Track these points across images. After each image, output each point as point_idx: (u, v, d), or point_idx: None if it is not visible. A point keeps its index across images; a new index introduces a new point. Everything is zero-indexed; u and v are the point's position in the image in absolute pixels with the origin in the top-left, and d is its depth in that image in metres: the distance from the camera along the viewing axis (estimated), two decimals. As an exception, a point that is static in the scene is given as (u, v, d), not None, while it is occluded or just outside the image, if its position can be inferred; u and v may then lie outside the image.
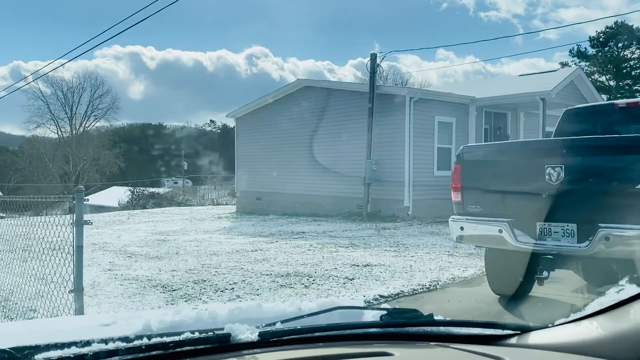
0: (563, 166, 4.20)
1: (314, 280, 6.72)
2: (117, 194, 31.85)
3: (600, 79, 39.16)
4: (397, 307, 1.07)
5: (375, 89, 15.00)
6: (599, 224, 4.02)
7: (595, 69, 39.36)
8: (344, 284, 6.50)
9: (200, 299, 5.85)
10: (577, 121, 6.22)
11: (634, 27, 37.93)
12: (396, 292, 5.88)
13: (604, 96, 32.25)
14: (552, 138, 6.03)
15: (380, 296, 5.73)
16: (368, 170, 14.69)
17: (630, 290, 0.90)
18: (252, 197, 18.63)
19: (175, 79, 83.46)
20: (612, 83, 39.21)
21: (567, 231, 4.27)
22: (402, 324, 1.01)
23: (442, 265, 7.49)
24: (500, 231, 4.47)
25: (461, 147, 4.96)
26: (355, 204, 15.13)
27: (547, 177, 4.25)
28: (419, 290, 6.04)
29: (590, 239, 4.08)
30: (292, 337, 0.93)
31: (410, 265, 7.55)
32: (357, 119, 15.06)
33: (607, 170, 4.16)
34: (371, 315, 1.04)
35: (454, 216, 4.93)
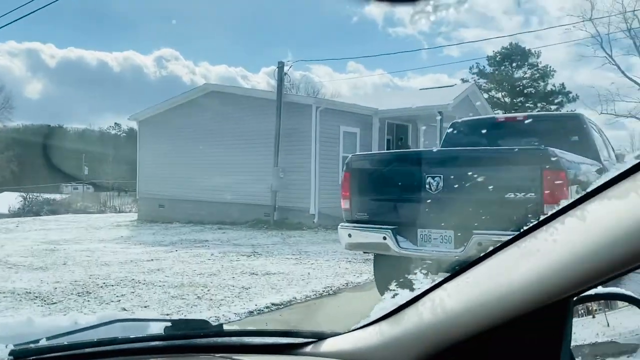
0: (441, 176, 4.41)
1: (208, 290, 6.55)
2: (7, 200, 29.43)
3: (497, 96, 42.01)
4: (194, 318, 1.01)
5: (283, 97, 15.05)
6: (473, 231, 4.25)
7: (492, 85, 42.19)
8: (239, 293, 6.38)
9: (82, 312, 5.49)
10: (462, 133, 6.57)
11: (526, 49, 41.13)
12: (289, 300, 5.87)
13: (500, 111, 34.60)
14: (431, 149, 6.33)
15: (273, 304, 5.70)
16: (275, 178, 14.67)
17: (405, 294, 0.92)
18: (154, 205, 17.94)
19: (78, 79, 78.88)
20: (507, 100, 42.17)
21: (445, 237, 4.47)
22: (187, 336, 0.96)
23: (338, 272, 7.60)
24: (384, 238, 4.59)
25: (349, 156, 5.07)
26: (262, 212, 15.03)
27: (427, 186, 4.44)
28: (312, 297, 6.07)
29: (465, 244, 4.31)
30: (57, 354, 0.84)
31: (308, 273, 7.58)
32: (265, 127, 15.00)
33: (480, 180, 4.41)
34: (157, 328, 0.98)
35: (343, 224, 5.01)
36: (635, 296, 0.97)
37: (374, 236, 4.70)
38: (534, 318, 0.74)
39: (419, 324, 0.83)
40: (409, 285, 0.97)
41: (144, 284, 6.90)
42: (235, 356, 0.92)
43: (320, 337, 1.01)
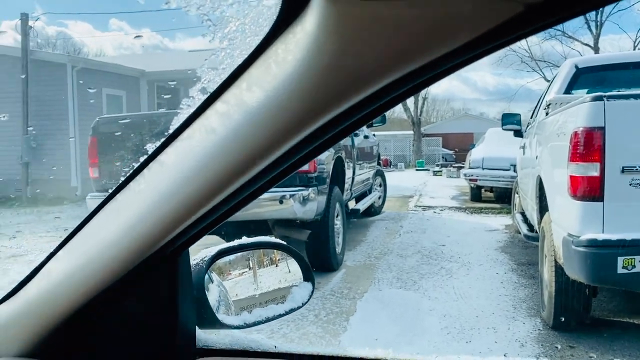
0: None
1: None
2: None
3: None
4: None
5: (30, 54, 13.09)
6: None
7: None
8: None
9: None
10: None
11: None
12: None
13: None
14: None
15: None
16: (26, 148, 12.84)
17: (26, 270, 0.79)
18: None
19: None
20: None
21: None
22: None
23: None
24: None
25: (97, 119, 4.59)
26: (13, 188, 13.08)
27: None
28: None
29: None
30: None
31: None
32: (10, 89, 12.91)
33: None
34: None
35: (92, 194, 4.56)
36: (283, 243, 0.99)
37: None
38: (141, 276, 0.71)
39: (30, 301, 0.73)
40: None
41: None
42: None
43: None
